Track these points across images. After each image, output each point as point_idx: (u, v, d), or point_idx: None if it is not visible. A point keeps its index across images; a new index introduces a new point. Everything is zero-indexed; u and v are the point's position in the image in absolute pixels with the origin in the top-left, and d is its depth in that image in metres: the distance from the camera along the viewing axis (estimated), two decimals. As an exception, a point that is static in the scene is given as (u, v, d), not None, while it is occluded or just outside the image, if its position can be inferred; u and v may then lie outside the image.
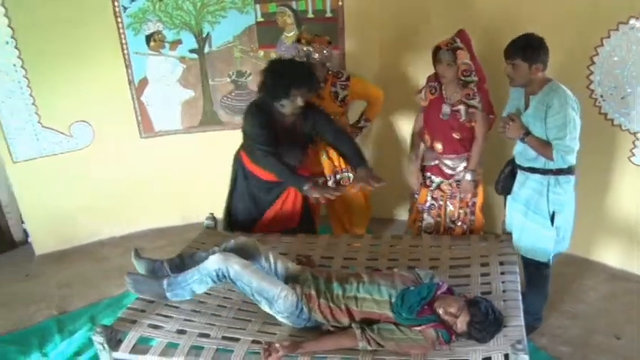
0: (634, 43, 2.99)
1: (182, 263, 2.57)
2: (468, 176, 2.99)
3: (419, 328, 2.12)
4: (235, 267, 2.28)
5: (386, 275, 2.41)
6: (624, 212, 3.36)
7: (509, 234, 2.85)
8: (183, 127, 4.09)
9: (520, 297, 2.39)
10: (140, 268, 2.58)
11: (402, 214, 4.15)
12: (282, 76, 2.65)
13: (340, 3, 3.71)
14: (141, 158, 4.08)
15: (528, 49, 2.43)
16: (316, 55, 3.09)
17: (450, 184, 3.07)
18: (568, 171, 2.56)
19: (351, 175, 3.30)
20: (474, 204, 3.10)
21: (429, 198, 3.15)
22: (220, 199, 3.82)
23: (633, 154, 3.19)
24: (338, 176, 3.34)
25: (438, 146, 3.02)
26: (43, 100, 3.67)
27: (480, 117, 2.89)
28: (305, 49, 3.09)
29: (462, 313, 2.14)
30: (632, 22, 2.96)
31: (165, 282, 2.39)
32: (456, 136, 2.95)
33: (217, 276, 2.31)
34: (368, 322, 2.21)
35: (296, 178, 2.80)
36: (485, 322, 2.11)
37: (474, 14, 3.44)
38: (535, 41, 2.44)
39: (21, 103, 3.62)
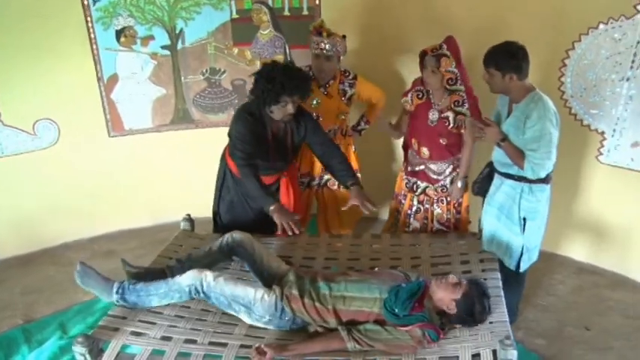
0: (602, 47, 3.12)
1: (182, 267, 2.49)
2: (459, 183, 3.01)
3: (406, 329, 2.12)
4: (208, 279, 2.26)
5: (374, 273, 2.41)
6: (591, 209, 3.52)
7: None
8: (154, 125, 3.98)
9: (502, 293, 2.44)
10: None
11: (386, 214, 4.18)
12: (273, 81, 2.55)
13: (317, 1, 3.69)
14: (109, 158, 3.95)
15: (501, 57, 2.43)
16: (339, 48, 3.04)
17: (436, 190, 3.08)
18: (543, 180, 2.57)
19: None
20: (459, 204, 3.14)
21: (414, 202, 3.16)
22: (192, 199, 3.75)
23: (600, 154, 3.34)
24: (326, 177, 3.34)
25: (425, 151, 3.02)
26: (4, 97, 3.48)
27: (469, 123, 2.86)
28: (326, 41, 3.02)
29: (461, 285, 2.18)
30: (601, 27, 3.09)
31: (116, 285, 2.33)
32: (442, 142, 2.95)
33: (189, 292, 2.29)
34: (353, 324, 2.20)
35: (264, 196, 2.69)
36: (486, 295, 2.18)
37: (447, 17, 3.49)
38: (511, 50, 2.43)
39: (-20, 99, 3.42)
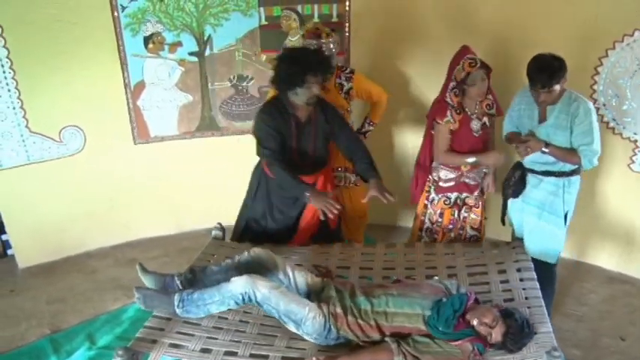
0: (637, 55, 3.10)
1: (194, 277, 2.46)
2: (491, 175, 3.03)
3: (456, 343, 2.10)
4: (263, 290, 2.20)
5: (414, 286, 2.37)
6: (622, 217, 3.49)
7: (521, 239, 2.90)
8: (179, 132, 3.95)
9: (543, 303, 2.41)
10: (149, 283, 2.45)
11: (404, 221, 4.16)
12: (296, 63, 2.58)
13: (347, 8, 3.68)
14: (134, 165, 3.92)
15: (560, 74, 2.51)
16: (333, 46, 3.08)
17: (476, 197, 3.06)
18: (578, 171, 2.71)
19: (351, 177, 3.34)
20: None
21: (455, 215, 3.11)
22: (217, 207, 3.72)
23: (633, 162, 3.31)
24: (340, 174, 3.32)
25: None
26: (31, 104, 3.46)
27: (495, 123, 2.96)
28: (330, 41, 3.05)
29: (498, 324, 2.12)
30: (636, 34, 3.06)
31: (176, 297, 2.28)
32: (482, 147, 2.95)
33: (243, 299, 2.23)
34: (399, 336, 2.17)
35: (298, 184, 2.70)
36: (522, 333, 2.12)
37: (479, 23, 3.48)
38: (560, 63, 2.52)
39: (7, 106, 3.39)
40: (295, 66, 2.58)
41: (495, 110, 2.94)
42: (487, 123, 2.93)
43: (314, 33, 3.10)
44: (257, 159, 2.97)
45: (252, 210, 3.03)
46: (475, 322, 2.15)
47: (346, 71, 3.22)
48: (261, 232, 3.01)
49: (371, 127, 3.41)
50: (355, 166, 2.98)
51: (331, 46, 3.07)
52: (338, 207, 2.65)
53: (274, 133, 2.69)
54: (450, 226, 3.13)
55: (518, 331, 2.11)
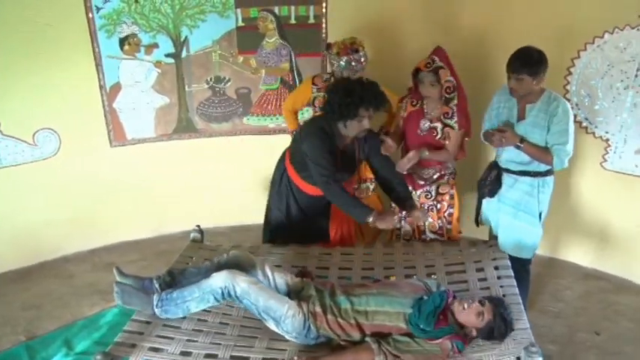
0: (607, 56, 3.18)
1: (172, 280, 2.44)
2: (415, 154, 2.88)
3: (436, 342, 2.12)
4: (242, 285, 2.21)
5: (394, 285, 2.39)
6: (596, 215, 3.56)
7: (497, 238, 2.94)
8: (156, 134, 3.91)
9: (520, 300, 2.46)
10: None
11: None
12: (352, 95, 2.53)
13: (324, 10, 3.69)
14: (110, 168, 3.86)
15: (534, 64, 2.53)
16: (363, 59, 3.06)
17: (427, 196, 3.06)
18: (552, 172, 2.76)
19: (370, 186, 3.35)
20: (450, 214, 3.11)
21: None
22: (194, 209, 3.70)
23: (605, 160, 3.39)
24: (363, 185, 3.31)
25: None
26: (4, 107, 3.38)
27: (455, 136, 2.88)
28: (362, 54, 3.06)
29: (486, 305, 2.17)
30: (606, 36, 3.14)
31: (155, 297, 2.28)
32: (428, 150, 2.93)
33: (222, 294, 2.23)
34: (379, 335, 2.19)
35: (360, 208, 2.65)
36: (507, 320, 2.17)
37: (456, 25, 3.53)
38: (539, 56, 2.54)
39: (-22, 109, 3.32)
40: (350, 98, 2.52)
41: (457, 124, 2.87)
42: (438, 129, 2.90)
43: (350, 48, 3.03)
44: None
45: (275, 207, 3.02)
46: (465, 305, 2.18)
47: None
48: (288, 229, 3.01)
49: (386, 138, 3.31)
50: (391, 190, 2.91)
51: (362, 59, 3.04)
52: (398, 222, 2.73)
53: (328, 156, 2.64)
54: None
55: (505, 318, 2.17)
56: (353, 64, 3.04)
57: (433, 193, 3.05)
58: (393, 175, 2.87)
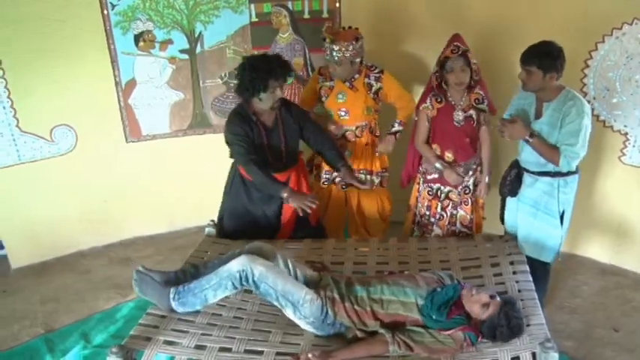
0: (626, 48, 3.11)
1: (197, 271, 2.46)
2: (487, 179, 3.03)
3: (448, 332, 2.12)
4: (260, 267, 2.22)
5: (409, 277, 2.39)
6: (613, 209, 3.50)
7: (513, 234, 2.91)
8: (171, 130, 3.93)
9: (536, 296, 2.43)
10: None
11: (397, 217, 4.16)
12: (258, 69, 2.67)
13: (337, 4, 3.67)
14: (126, 163, 3.90)
15: (545, 57, 2.46)
16: (342, 55, 3.02)
17: (459, 193, 3.08)
18: (575, 171, 2.67)
19: (376, 180, 3.34)
20: (482, 206, 3.16)
21: (438, 209, 3.15)
22: (209, 205, 3.70)
23: (623, 154, 3.33)
24: (368, 178, 3.31)
25: (449, 155, 3.03)
26: (22, 104, 3.43)
27: (488, 119, 2.95)
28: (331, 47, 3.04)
29: (493, 300, 2.16)
30: (625, 27, 3.08)
31: (172, 290, 2.29)
32: (467, 140, 2.98)
33: (240, 279, 2.23)
34: (393, 326, 2.19)
35: (274, 184, 2.77)
36: (511, 321, 2.12)
37: (469, 19, 3.49)
38: (554, 50, 2.47)
39: (-3, 106, 3.36)
40: (257, 72, 2.67)
41: (488, 107, 2.93)
42: (473, 116, 2.94)
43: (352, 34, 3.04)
44: None
45: (229, 206, 3.09)
46: (474, 292, 2.19)
47: (375, 71, 3.17)
48: (243, 228, 3.04)
49: (400, 128, 3.26)
50: (324, 156, 3.06)
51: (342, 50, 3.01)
52: (316, 203, 2.71)
53: (244, 137, 2.77)
54: (432, 219, 3.16)
55: (515, 312, 2.14)
56: (334, 53, 3.03)
57: (471, 186, 3.07)
58: (323, 141, 3.02)
